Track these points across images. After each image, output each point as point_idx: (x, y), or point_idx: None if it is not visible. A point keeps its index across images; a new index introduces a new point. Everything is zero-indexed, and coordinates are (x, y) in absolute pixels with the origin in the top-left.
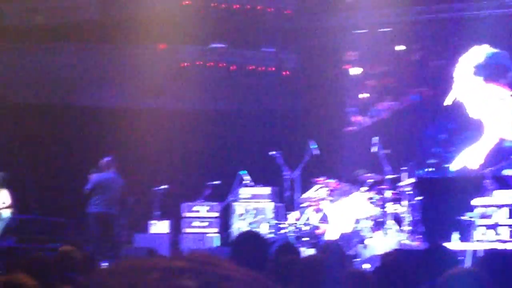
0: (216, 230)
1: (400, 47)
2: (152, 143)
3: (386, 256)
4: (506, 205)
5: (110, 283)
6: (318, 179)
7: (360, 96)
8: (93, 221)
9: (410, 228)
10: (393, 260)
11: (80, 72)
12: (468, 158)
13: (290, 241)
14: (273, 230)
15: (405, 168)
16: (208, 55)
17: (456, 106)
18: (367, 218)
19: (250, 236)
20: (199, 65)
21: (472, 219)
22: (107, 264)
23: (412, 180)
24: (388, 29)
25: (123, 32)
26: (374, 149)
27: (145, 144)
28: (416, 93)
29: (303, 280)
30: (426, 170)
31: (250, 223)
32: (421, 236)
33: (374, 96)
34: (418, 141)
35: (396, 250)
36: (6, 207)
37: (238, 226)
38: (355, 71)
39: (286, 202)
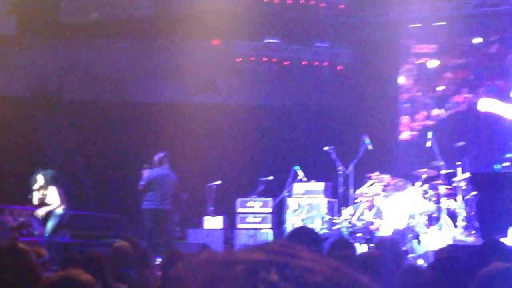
0: (269, 225)
1: (477, 40)
2: (206, 139)
3: (440, 252)
4: None
5: (193, 276)
6: (372, 174)
7: (438, 88)
8: (146, 217)
9: (465, 223)
10: (448, 256)
11: (134, 68)
12: None
13: (344, 237)
14: (327, 226)
15: (459, 163)
16: (261, 50)
17: None
18: (421, 214)
19: (304, 232)
20: (252, 61)
21: None
22: (160, 260)
23: (467, 175)
24: (443, 23)
25: (177, 28)
26: (428, 143)
27: (199, 139)
28: (492, 85)
29: None
30: (504, 164)
31: (304, 219)
32: (475, 232)
33: (451, 88)
34: (495, 135)
35: (450, 245)
36: (56, 207)
37: (292, 221)
38: (432, 63)
39: (340, 198)
